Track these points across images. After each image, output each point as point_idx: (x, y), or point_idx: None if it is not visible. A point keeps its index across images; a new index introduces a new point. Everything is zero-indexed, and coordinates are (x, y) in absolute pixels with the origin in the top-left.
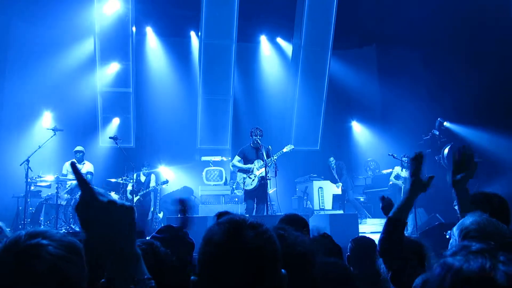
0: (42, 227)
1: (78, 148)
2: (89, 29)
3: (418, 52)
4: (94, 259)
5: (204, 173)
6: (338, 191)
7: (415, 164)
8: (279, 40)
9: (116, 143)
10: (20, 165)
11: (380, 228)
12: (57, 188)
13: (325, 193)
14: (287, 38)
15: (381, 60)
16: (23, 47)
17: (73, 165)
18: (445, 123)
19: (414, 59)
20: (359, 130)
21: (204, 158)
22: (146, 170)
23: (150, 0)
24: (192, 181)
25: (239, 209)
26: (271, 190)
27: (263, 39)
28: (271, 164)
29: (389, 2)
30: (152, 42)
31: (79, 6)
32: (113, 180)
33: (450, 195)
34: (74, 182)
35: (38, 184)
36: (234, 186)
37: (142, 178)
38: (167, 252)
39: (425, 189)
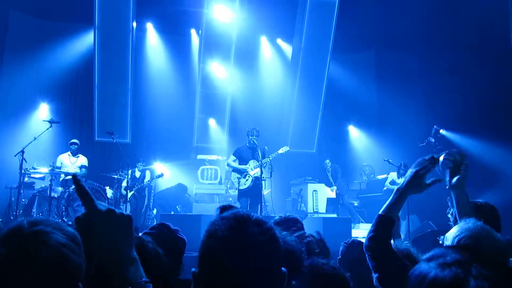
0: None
1: (74, 140)
2: (88, 21)
3: (416, 58)
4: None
5: (199, 172)
6: (333, 194)
7: (429, 166)
8: (279, 41)
9: (112, 138)
10: (15, 156)
11: None
12: (50, 180)
13: (320, 196)
14: (288, 40)
15: (379, 66)
16: (21, 37)
17: (74, 178)
18: (441, 131)
19: (412, 66)
20: (355, 135)
21: (200, 157)
22: (141, 166)
23: None
24: (187, 179)
25: None
26: (265, 191)
27: (264, 40)
28: (266, 164)
29: (389, 8)
30: (152, 38)
31: None
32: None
33: (443, 202)
34: (69, 177)
35: (32, 175)
36: (228, 186)
37: (137, 174)
38: (156, 249)
39: (422, 189)
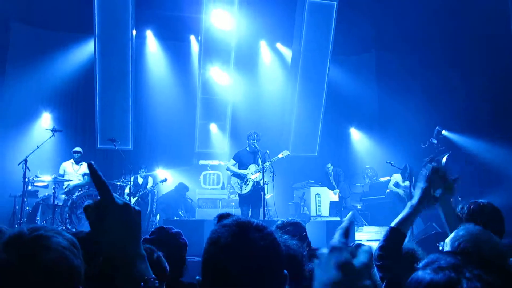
0: None
1: (77, 148)
2: (88, 30)
3: (417, 60)
4: (90, 256)
5: (201, 177)
6: (335, 197)
7: (432, 179)
8: (279, 45)
9: (114, 145)
10: (18, 164)
11: (377, 236)
12: (54, 188)
13: (322, 199)
14: (287, 44)
15: (380, 67)
16: (22, 47)
17: (90, 166)
18: (443, 132)
19: (413, 67)
20: (357, 137)
21: (202, 162)
22: (143, 172)
23: (150, 4)
24: (190, 185)
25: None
26: (268, 195)
27: (263, 44)
28: (267, 169)
29: (389, 9)
30: (152, 45)
31: (78, 6)
32: (110, 182)
33: None
34: (72, 183)
35: (35, 184)
36: (230, 191)
37: (140, 180)
38: (159, 255)
39: (434, 203)
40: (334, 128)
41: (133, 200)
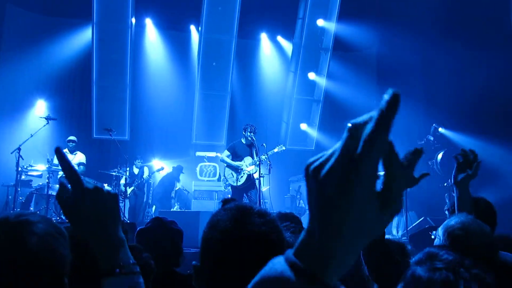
0: None
1: (71, 137)
2: (86, 17)
3: (417, 56)
4: (77, 248)
5: (198, 169)
6: None
7: (414, 158)
8: (280, 38)
9: (110, 135)
10: (11, 153)
11: None
12: (48, 178)
13: None
14: (288, 37)
15: (380, 63)
16: (17, 33)
17: (58, 151)
18: (440, 129)
19: (412, 63)
20: None
21: (198, 154)
22: (139, 162)
23: None
24: (186, 176)
25: None
26: (264, 188)
27: (264, 37)
28: (264, 161)
29: (391, 5)
30: (151, 34)
31: None
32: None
33: (441, 198)
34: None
35: (29, 173)
36: (226, 183)
37: (136, 171)
38: (148, 256)
39: (412, 184)
40: (332, 123)
41: (129, 190)
